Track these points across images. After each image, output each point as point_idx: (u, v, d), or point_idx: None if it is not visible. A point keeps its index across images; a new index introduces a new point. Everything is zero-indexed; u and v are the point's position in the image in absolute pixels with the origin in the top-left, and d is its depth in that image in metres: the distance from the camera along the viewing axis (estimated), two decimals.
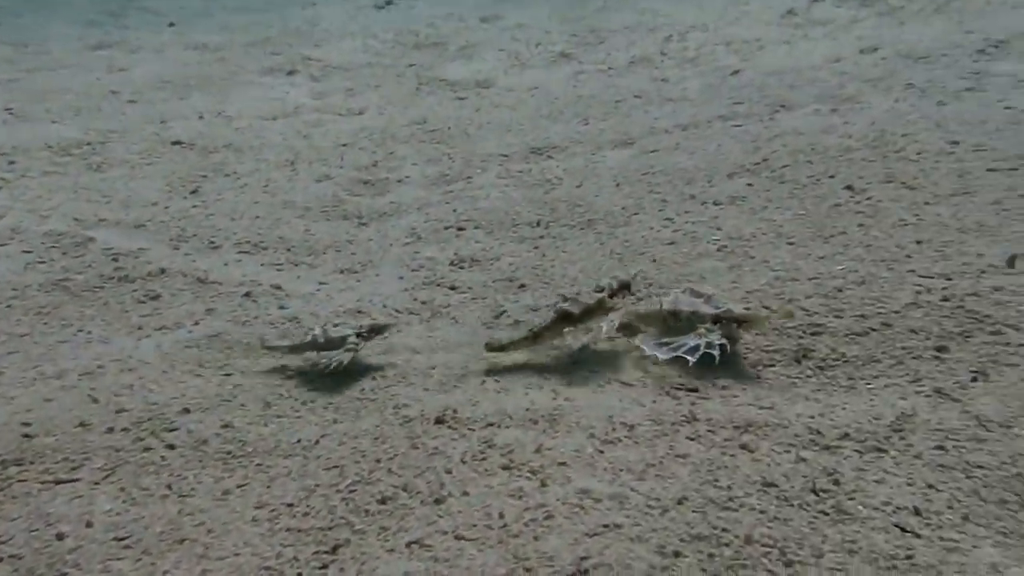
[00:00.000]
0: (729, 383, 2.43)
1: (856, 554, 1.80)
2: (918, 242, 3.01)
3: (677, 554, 1.80)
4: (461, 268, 3.55)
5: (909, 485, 1.99)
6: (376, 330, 2.80)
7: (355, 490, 1.98)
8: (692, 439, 2.22)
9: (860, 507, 1.93)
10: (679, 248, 3.30)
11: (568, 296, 2.71)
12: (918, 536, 1.82)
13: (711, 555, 1.80)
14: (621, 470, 2.05)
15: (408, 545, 1.73)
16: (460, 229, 3.98)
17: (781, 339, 2.59)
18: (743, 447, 2.17)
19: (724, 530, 1.88)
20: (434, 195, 4.51)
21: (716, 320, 2.47)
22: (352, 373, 2.64)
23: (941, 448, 2.08)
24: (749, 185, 3.82)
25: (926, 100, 4.65)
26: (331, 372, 2.57)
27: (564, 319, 2.65)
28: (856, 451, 2.11)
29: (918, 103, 4.61)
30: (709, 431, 2.24)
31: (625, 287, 2.76)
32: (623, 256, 3.38)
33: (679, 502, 1.95)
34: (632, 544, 1.81)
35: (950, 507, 1.91)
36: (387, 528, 1.83)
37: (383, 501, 1.93)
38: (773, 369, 2.52)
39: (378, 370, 2.67)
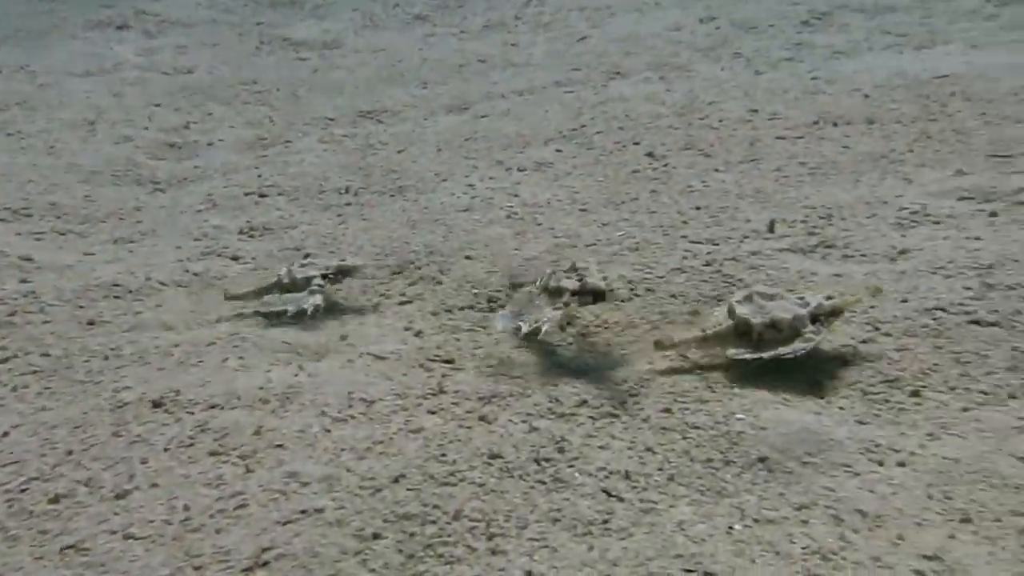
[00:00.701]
0: (487, 355, 2.36)
1: (559, 522, 1.79)
2: (697, 208, 3.07)
3: (376, 536, 1.72)
4: (251, 237, 3.32)
5: (630, 449, 2.00)
6: (344, 271, 2.67)
7: (27, 488, 1.77)
8: (433, 412, 2.15)
9: (577, 474, 1.92)
10: (471, 215, 3.21)
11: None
12: (621, 500, 1.83)
13: (412, 535, 1.73)
14: (343, 450, 1.95)
15: (62, 550, 1.56)
16: (262, 196, 3.73)
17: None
18: (482, 418, 2.12)
19: (435, 507, 1.82)
20: (245, 160, 4.21)
21: (814, 318, 2.16)
22: (85, 352, 2.41)
23: (667, 411, 2.11)
24: (558, 151, 3.79)
25: (748, 69, 4.76)
26: (294, 317, 2.52)
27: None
28: (591, 417, 2.11)
29: (739, 72, 4.71)
30: (454, 403, 2.18)
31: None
32: (417, 224, 3.25)
33: (395, 480, 1.87)
34: (328, 529, 1.71)
35: (660, 469, 1.94)
36: (47, 532, 1.64)
37: (55, 500, 1.73)
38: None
39: (115, 349, 2.45)
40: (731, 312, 2.24)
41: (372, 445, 2.00)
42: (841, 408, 2.04)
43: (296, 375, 2.25)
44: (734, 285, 2.59)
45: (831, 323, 2.18)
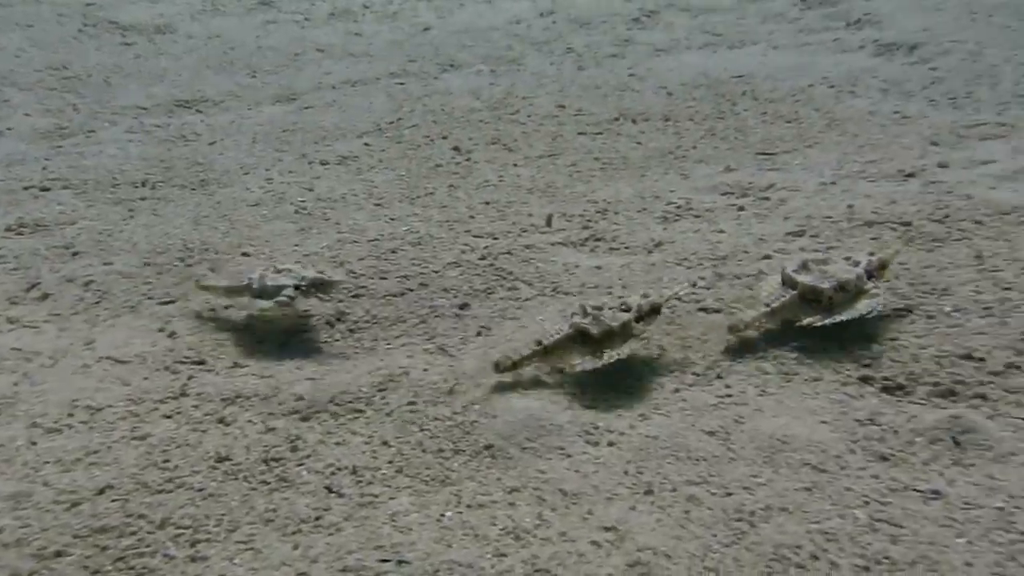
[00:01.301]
0: (243, 355, 2.31)
1: (272, 523, 1.79)
2: (487, 203, 3.14)
3: (59, 554, 1.65)
4: (18, 235, 3.09)
5: (366, 444, 2.03)
6: (319, 285, 2.46)
7: None
8: (168, 417, 2.09)
9: (304, 473, 1.93)
10: (259, 210, 3.13)
11: (588, 311, 2.23)
12: (341, 496, 1.87)
13: (104, 548, 1.68)
14: (46, 463, 1.87)
15: None
16: (43, 190, 3.47)
17: (321, 304, 2.57)
18: (220, 421, 2.08)
19: (140, 517, 1.77)
20: (35, 150, 3.90)
21: (869, 275, 2.22)
22: None
23: (412, 404, 2.16)
24: (367, 145, 3.76)
25: (573, 65, 4.86)
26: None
27: (581, 337, 2.20)
28: (334, 415, 2.12)
29: (564, 67, 4.82)
30: (194, 406, 2.13)
31: (655, 311, 2.27)
32: (202, 220, 3.11)
33: (100, 492, 1.81)
34: (2, 552, 1.64)
35: (390, 462, 1.98)
36: None
37: None
38: (307, 335, 2.50)
39: None
40: (791, 282, 2.23)
41: (84, 456, 1.91)
42: (572, 394, 2.17)
43: (16, 384, 2.12)
44: (504, 279, 2.68)
45: (883, 275, 2.29)
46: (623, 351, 2.14)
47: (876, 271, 2.31)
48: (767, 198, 2.96)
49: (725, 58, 4.71)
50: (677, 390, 2.15)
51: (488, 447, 2.00)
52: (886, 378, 2.14)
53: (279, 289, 2.42)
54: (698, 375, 2.21)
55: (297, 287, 2.45)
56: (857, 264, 2.29)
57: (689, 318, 2.38)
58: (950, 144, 3.23)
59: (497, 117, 3.97)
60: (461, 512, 1.81)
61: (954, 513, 1.71)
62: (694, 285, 2.41)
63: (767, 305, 2.25)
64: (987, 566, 1.56)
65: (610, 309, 2.22)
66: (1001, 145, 3.12)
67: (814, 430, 1.98)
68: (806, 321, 2.20)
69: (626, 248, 2.79)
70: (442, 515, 1.80)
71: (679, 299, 2.34)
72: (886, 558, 1.62)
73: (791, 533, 1.69)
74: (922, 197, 2.80)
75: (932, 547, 1.63)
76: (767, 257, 2.60)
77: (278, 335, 2.42)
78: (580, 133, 3.75)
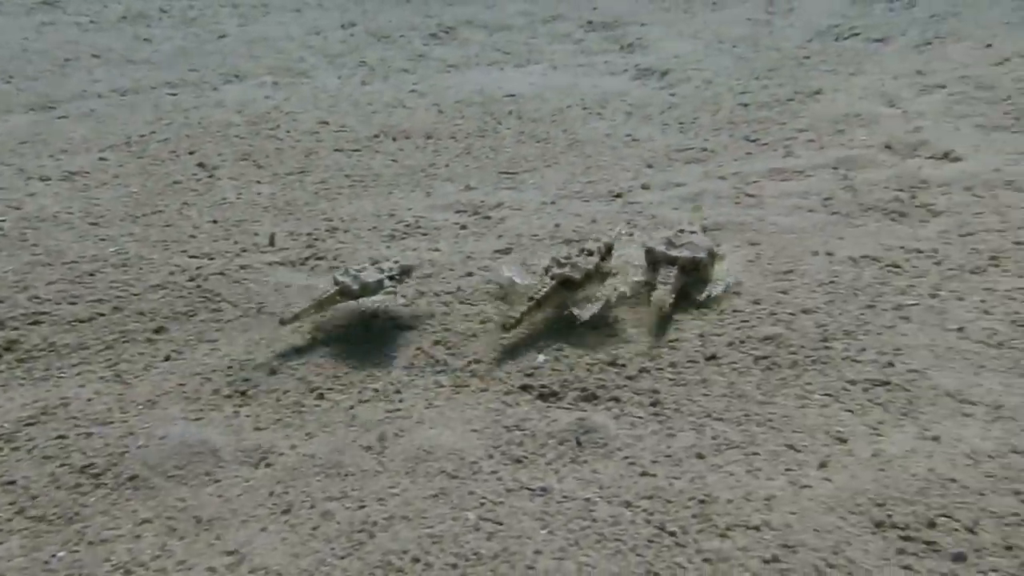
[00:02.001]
0: None
1: None
2: (215, 222, 3.11)
3: None
4: None
5: None
6: (406, 271, 2.56)
7: None
8: None
9: None
10: None
11: (563, 261, 2.51)
12: None
13: None
14: None
15: None
16: None
17: None
18: None
19: None
20: None
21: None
22: None
23: (62, 438, 2.06)
24: (102, 160, 3.62)
25: (359, 79, 4.86)
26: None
27: (565, 285, 2.47)
28: None
29: (349, 82, 4.82)
30: None
31: (610, 250, 2.62)
32: None
33: None
34: None
35: (12, 503, 1.89)
36: None
37: None
38: None
39: None
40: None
41: None
42: (241, 417, 2.18)
43: None
44: (209, 301, 2.65)
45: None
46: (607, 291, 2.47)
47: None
48: (490, 217, 3.13)
49: (506, 76, 4.92)
50: (351, 407, 2.23)
51: (132, 478, 1.97)
52: (543, 386, 2.32)
53: (380, 284, 2.44)
54: (377, 391, 2.29)
55: (391, 277, 2.46)
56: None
57: (386, 335, 2.48)
58: (661, 167, 3.56)
59: (255, 132, 3.92)
60: (77, 551, 1.77)
61: (550, 507, 1.89)
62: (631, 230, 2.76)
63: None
64: (553, 552, 1.74)
65: (577, 256, 2.51)
66: (697, 168, 3.47)
67: (462, 439, 2.12)
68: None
69: (346, 266, 2.85)
70: (53, 556, 1.75)
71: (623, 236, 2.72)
72: (475, 554, 1.76)
73: (403, 539, 1.80)
74: (618, 217, 3.08)
75: (518, 540, 1.79)
76: (469, 275, 2.75)
77: None
78: (337, 150, 3.78)
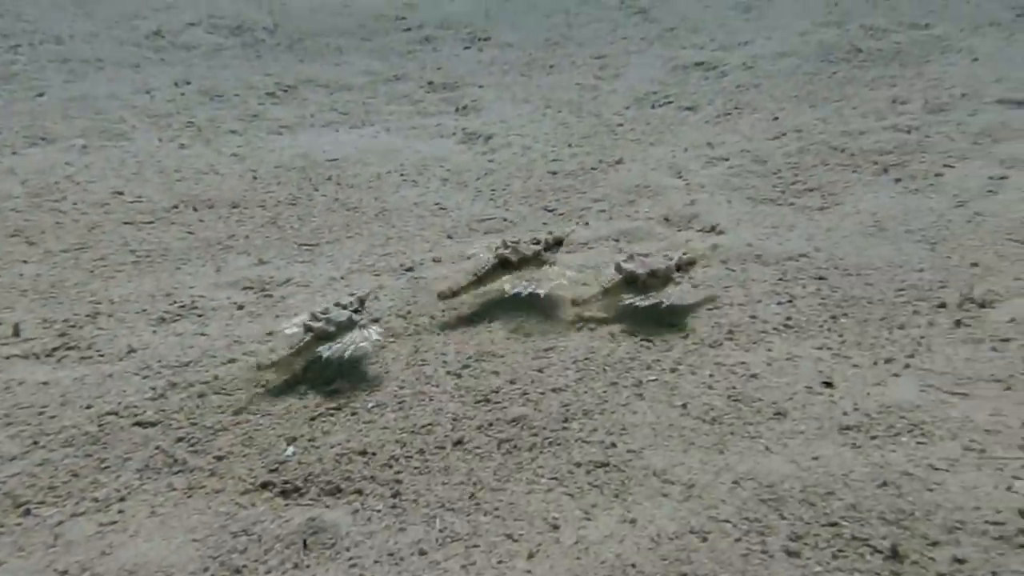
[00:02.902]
0: None
1: None
2: None
3: None
4: None
5: None
6: (362, 301, 2.78)
7: None
8: None
9: None
10: None
11: (508, 243, 2.98)
12: None
13: None
14: None
15: None
16: None
17: None
18: None
19: None
20: None
21: (679, 267, 2.92)
22: None
23: None
24: None
25: (179, 143, 4.70)
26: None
27: (503, 266, 2.94)
28: None
29: (166, 146, 4.65)
30: None
31: (559, 243, 3.04)
32: None
33: None
34: None
35: None
36: None
37: None
38: None
39: None
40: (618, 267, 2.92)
41: None
42: None
43: None
44: None
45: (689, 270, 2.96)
46: (539, 276, 2.94)
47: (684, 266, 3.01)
48: (272, 295, 3.10)
49: (337, 139, 4.93)
50: (59, 523, 2.11)
51: None
52: (287, 481, 2.29)
53: (351, 322, 2.64)
54: (97, 500, 2.19)
55: (355, 311, 2.66)
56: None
57: (122, 434, 2.38)
58: (460, 237, 3.65)
59: (36, 205, 3.72)
60: None
61: None
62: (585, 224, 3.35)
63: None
64: None
65: (525, 243, 2.98)
66: (494, 240, 3.57)
67: (178, 551, 2.04)
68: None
69: (99, 356, 2.71)
70: None
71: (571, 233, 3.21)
72: None
73: None
74: (400, 293, 3.13)
75: None
76: (231, 361, 2.70)
77: None
78: (126, 223, 3.64)
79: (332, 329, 2.61)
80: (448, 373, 2.65)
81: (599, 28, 7.00)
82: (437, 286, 2.93)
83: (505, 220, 3.76)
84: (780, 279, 3.13)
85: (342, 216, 3.89)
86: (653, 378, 2.64)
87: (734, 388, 2.55)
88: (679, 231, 3.58)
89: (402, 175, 4.34)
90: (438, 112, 5.41)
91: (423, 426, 2.43)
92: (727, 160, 4.24)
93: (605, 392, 2.57)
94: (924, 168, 3.91)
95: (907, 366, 2.56)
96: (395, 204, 3.98)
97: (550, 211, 3.86)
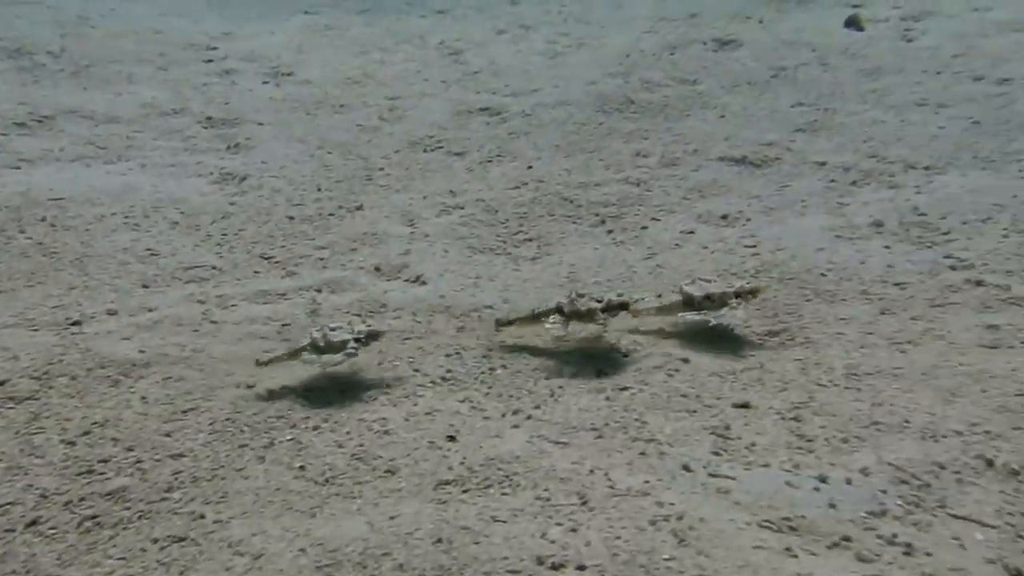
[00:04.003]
0: None
1: None
2: None
3: None
4: None
5: None
6: (372, 336, 2.90)
7: None
8: None
9: None
10: None
11: (571, 297, 3.07)
12: None
13: None
14: None
15: None
16: None
17: None
18: None
19: None
20: None
21: (737, 294, 3.08)
22: None
23: None
24: None
25: None
26: None
27: (557, 311, 3.07)
28: None
29: None
30: None
31: (623, 307, 3.04)
32: None
33: None
34: None
35: None
36: None
37: None
38: None
39: None
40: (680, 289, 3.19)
41: None
42: None
43: None
44: None
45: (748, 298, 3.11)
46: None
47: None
48: None
49: (76, 176, 4.62)
50: None
51: None
52: None
53: (344, 344, 2.78)
54: None
55: (357, 339, 2.81)
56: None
57: None
58: (158, 286, 3.52)
59: None
60: None
61: None
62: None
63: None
64: None
65: (586, 299, 3.04)
66: (193, 289, 3.50)
67: None
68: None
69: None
70: None
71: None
72: None
73: None
74: (53, 351, 2.98)
75: None
76: None
77: None
78: None
79: (323, 344, 2.80)
80: (62, 442, 2.52)
81: (406, 68, 7.10)
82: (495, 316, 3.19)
83: (214, 268, 3.66)
84: (459, 330, 3.23)
85: (33, 262, 3.64)
86: (288, 438, 2.62)
87: (362, 446, 2.57)
88: (387, 281, 3.63)
89: (127, 217, 4.15)
90: (207, 149, 5.25)
91: (1, 506, 2.27)
92: (463, 208, 4.36)
93: (228, 456, 2.52)
94: (636, 221, 4.20)
95: (529, 417, 2.69)
96: (101, 250, 3.79)
97: (267, 259, 3.80)
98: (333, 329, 2.82)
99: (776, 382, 2.80)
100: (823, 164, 4.64)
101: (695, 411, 2.66)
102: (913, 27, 7.06)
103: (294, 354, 2.84)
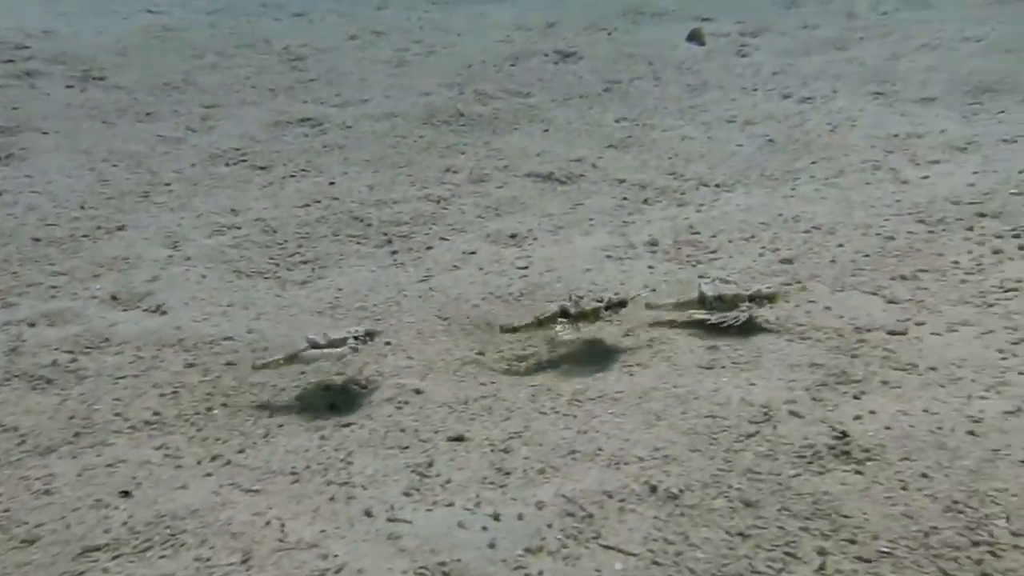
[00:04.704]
0: None
1: None
2: None
3: None
4: None
5: None
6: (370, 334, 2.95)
7: None
8: None
9: None
10: None
11: (574, 298, 3.10)
12: None
13: None
14: None
15: None
16: None
17: None
18: None
19: None
20: None
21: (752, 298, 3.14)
22: None
23: None
24: None
25: None
26: None
27: (563, 314, 3.06)
28: None
29: None
30: None
31: (622, 304, 3.08)
32: None
33: None
34: None
35: None
36: None
37: None
38: None
39: None
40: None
41: None
42: None
43: None
44: None
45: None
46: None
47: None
48: None
49: None
50: None
51: None
52: None
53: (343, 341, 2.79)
54: None
55: (356, 338, 2.83)
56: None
57: None
58: None
59: None
60: None
61: None
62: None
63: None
64: None
65: (587, 299, 3.09)
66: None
67: None
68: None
69: None
70: None
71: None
72: None
73: None
74: None
75: None
76: None
77: None
78: None
79: (322, 342, 2.78)
80: None
81: (236, 75, 6.73)
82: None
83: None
84: (188, 366, 2.99)
85: None
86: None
87: (8, 511, 2.24)
88: (122, 311, 3.31)
89: None
90: None
91: None
92: (239, 228, 4.06)
93: None
94: (423, 241, 4.04)
95: (228, 463, 2.45)
96: None
97: None
98: None
99: (503, 411, 2.70)
100: (622, 181, 4.66)
101: (407, 447, 2.52)
102: (749, 43, 7.35)
103: None
